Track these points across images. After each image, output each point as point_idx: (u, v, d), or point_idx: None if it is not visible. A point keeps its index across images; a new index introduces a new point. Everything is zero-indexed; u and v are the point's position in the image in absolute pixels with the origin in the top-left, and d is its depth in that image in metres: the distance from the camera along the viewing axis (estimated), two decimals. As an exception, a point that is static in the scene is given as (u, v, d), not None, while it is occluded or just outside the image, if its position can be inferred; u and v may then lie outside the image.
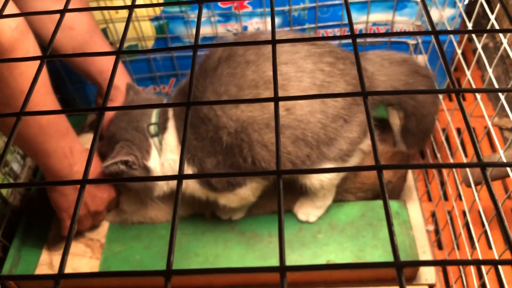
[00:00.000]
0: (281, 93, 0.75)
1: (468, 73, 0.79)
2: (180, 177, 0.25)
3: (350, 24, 0.32)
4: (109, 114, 0.92)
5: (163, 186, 0.85)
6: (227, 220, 0.92)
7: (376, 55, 0.85)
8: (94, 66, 0.90)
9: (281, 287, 0.21)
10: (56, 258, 0.91)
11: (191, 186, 0.83)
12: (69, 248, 0.22)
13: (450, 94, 1.20)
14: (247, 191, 0.82)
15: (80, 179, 0.24)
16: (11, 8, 0.61)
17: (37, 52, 0.65)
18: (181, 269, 0.21)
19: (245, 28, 1.04)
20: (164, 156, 0.82)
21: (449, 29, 1.00)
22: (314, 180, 0.80)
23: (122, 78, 0.94)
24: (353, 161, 0.82)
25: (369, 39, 1.08)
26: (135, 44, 1.06)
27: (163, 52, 1.08)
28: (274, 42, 0.30)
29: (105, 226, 0.94)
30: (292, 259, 0.88)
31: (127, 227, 0.94)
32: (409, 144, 0.92)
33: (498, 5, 0.77)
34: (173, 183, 0.85)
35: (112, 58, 0.91)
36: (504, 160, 0.72)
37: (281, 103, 0.73)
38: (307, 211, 0.90)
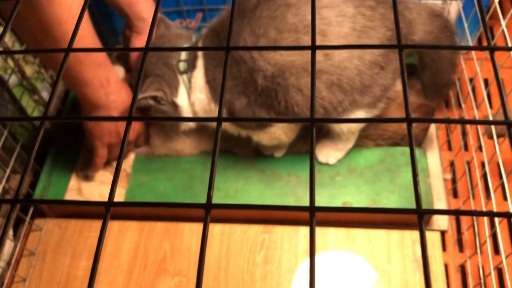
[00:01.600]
0: (320, 39, 0.74)
1: (503, 23, 0.77)
2: (219, 119, 0.26)
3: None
4: (135, 39, 0.93)
5: (188, 123, 0.87)
6: (249, 158, 0.95)
7: (415, 5, 0.84)
8: None
9: (310, 225, 0.23)
10: (84, 184, 0.96)
11: (223, 124, 0.85)
12: (117, 180, 0.24)
13: (481, 40, 1.17)
14: (278, 131, 0.84)
15: (127, 116, 0.26)
16: None
17: None
18: (221, 204, 0.23)
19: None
20: (194, 95, 0.84)
21: (487, -25, 0.96)
22: (343, 126, 0.82)
23: (150, 11, 0.93)
24: (380, 107, 0.83)
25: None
26: (164, -23, 1.05)
27: (191, -14, 1.07)
28: (313, -11, 0.31)
29: (131, 157, 0.98)
30: (309, 199, 0.91)
31: (152, 159, 0.97)
32: (427, 96, 0.92)
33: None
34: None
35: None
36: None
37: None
38: (328, 153, 0.92)
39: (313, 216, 0.23)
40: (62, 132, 1.03)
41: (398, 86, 0.85)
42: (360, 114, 0.81)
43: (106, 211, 0.24)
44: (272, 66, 0.75)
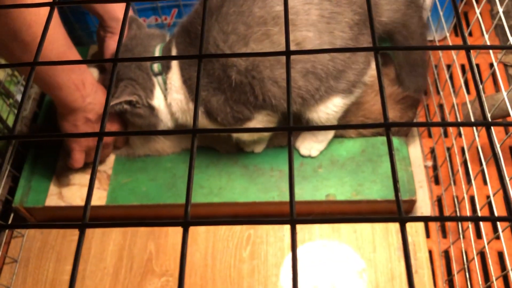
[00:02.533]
0: (290, 29, 0.74)
1: (477, 10, 0.78)
2: (194, 131, 0.26)
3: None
4: (111, 48, 0.91)
5: (167, 123, 0.86)
6: (231, 154, 0.95)
7: None
8: None
9: (291, 238, 0.23)
10: (65, 188, 0.94)
11: (201, 122, 0.84)
12: (90, 200, 0.24)
13: (457, 29, 1.18)
14: (257, 124, 0.83)
15: (98, 132, 0.25)
16: None
17: None
18: (198, 221, 0.22)
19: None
20: (171, 96, 0.82)
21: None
22: (322, 113, 0.82)
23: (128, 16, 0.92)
24: (357, 93, 0.83)
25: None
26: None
27: (164, -19, 1.05)
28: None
29: (111, 158, 0.97)
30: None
31: (133, 160, 0.96)
32: (404, 82, 0.92)
33: None
34: (180, 119, 0.86)
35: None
36: (507, 101, 0.72)
37: (291, 38, 0.73)
38: (310, 146, 0.92)
39: (294, 229, 0.22)
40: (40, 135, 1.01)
41: (374, 70, 0.85)
42: (337, 100, 0.81)
43: (80, 233, 0.23)
44: (244, 60, 0.75)
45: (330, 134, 0.92)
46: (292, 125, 0.25)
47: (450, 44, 0.91)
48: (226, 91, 0.78)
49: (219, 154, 0.95)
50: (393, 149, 0.24)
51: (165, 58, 0.28)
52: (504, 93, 0.72)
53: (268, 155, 0.94)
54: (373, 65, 0.83)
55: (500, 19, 0.76)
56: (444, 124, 0.25)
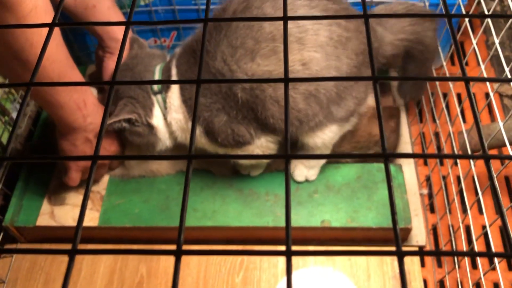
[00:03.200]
0: (297, 47, 0.74)
1: (474, 41, 0.78)
2: (190, 157, 0.25)
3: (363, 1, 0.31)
4: (110, 69, 0.91)
5: (165, 142, 0.86)
6: (226, 177, 0.94)
7: (380, 9, 0.87)
8: (95, 18, 0.89)
9: (286, 270, 0.22)
10: (57, 208, 0.93)
11: (200, 141, 0.84)
12: (81, 225, 0.23)
13: (453, 58, 1.19)
14: (256, 149, 0.83)
15: (92, 155, 0.25)
16: None
17: (47, 6, 0.64)
18: (191, 250, 0.22)
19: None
20: (170, 115, 0.82)
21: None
22: (318, 139, 0.81)
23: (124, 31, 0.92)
24: (352, 122, 0.83)
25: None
26: (137, -4, 1.03)
27: (165, 5, 1.06)
28: (285, 19, 0.30)
29: (105, 179, 0.96)
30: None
31: (127, 181, 0.95)
32: (403, 93, 0.96)
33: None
34: (179, 137, 0.85)
35: (114, 13, 0.89)
36: (503, 131, 0.72)
37: (297, 57, 0.74)
38: (304, 171, 0.92)
39: (289, 261, 0.22)
40: (34, 153, 1.00)
41: (370, 100, 0.86)
42: (334, 128, 0.81)
43: (70, 259, 0.22)
44: (249, 77, 0.75)
45: (323, 160, 0.92)
46: (289, 153, 0.25)
47: (447, 72, 0.92)
48: (231, 111, 0.77)
49: (213, 177, 0.94)
50: (391, 180, 0.24)
51: (162, 82, 0.27)
52: (500, 123, 0.72)
53: (263, 179, 0.94)
54: (371, 95, 0.83)
55: (496, 49, 0.76)
56: (441, 156, 0.25)
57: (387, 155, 0.24)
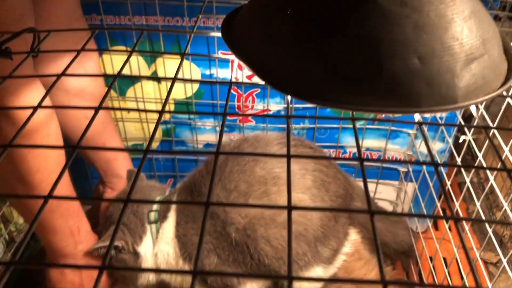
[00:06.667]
0: (286, 189, 0.78)
1: (457, 204, 0.83)
2: (195, 273, 0.26)
3: (358, 149, 0.35)
4: (109, 195, 0.94)
5: (148, 276, 0.84)
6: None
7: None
8: (101, 154, 0.93)
9: None
10: None
11: (186, 280, 0.82)
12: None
13: (437, 223, 1.23)
14: None
15: (99, 265, 0.26)
16: (39, 90, 0.65)
17: (58, 135, 0.69)
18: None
19: (247, 139, 1.09)
20: (158, 246, 0.82)
21: (439, 161, 1.06)
22: (304, 284, 0.81)
23: (127, 170, 0.96)
24: (336, 263, 0.84)
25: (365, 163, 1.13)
26: (140, 143, 1.10)
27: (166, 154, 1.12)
28: (288, 156, 0.33)
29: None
30: None
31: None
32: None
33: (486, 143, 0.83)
34: (164, 276, 0.84)
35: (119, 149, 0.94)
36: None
37: (286, 199, 0.76)
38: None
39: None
40: (21, 281, 0.96)
41: (353, 235, 0.87)
42: (319, 270, 0.81)
43: None
44: (243, 218, 0.77)
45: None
46: (292, 275, 0.26)
47: (433, 235, 0.94)
48: (223, 252, 0.78)
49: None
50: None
51: (171, 203, 0.29)
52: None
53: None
54: (349, 236, 0.85)
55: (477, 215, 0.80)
56: None
57: (386, 282, 0.26)
